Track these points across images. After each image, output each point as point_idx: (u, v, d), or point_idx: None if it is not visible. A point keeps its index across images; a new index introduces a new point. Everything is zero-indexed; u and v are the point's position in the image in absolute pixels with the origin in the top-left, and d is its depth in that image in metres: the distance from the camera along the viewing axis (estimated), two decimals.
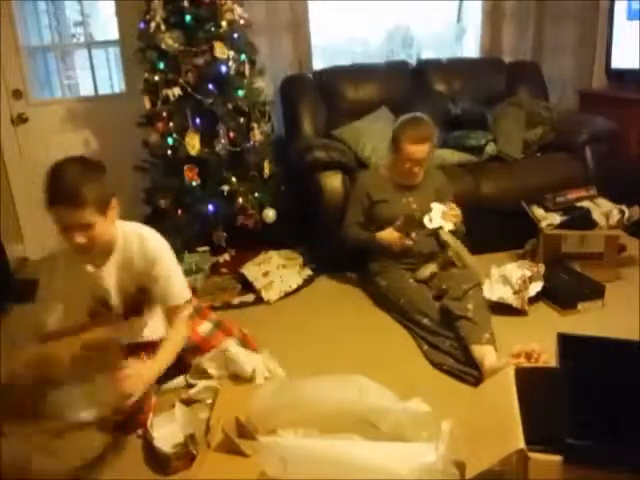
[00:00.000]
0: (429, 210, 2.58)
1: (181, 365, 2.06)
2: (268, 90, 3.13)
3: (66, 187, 1.62)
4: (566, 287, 2.58)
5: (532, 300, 2.55)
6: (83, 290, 1.82)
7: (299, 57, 3.68)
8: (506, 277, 2.55)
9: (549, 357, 1.86)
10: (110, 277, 1.85)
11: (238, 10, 2.92)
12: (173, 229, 2.48)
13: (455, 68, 3.75)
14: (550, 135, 3.40)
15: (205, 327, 2.18)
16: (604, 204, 2.89)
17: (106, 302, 1.87)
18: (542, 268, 2.63)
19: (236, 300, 2.76)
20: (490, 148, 3.26)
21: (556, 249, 2.81)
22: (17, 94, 3.39)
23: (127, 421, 1.77)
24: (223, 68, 2.82)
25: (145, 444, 1.82)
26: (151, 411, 1.85)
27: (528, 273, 2.55)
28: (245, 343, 2.22)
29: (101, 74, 3.77)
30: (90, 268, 1.81)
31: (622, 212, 2.80)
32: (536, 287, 2.55)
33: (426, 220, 2.48)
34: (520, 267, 2.62)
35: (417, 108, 3.35)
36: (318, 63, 3.80)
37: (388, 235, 2.57)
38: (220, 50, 2.80)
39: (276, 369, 2.12)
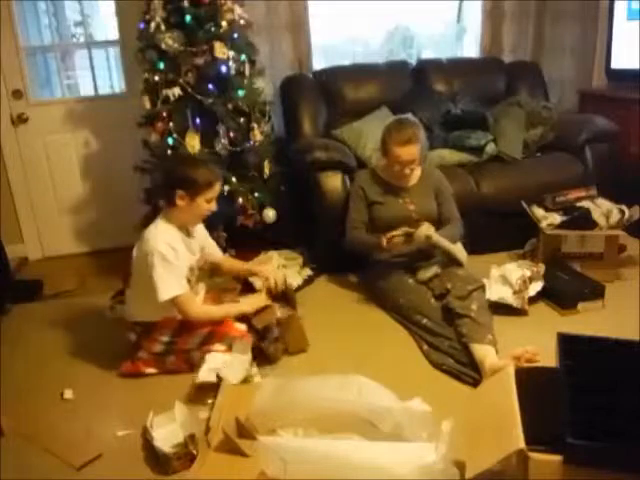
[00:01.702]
0: (426, 210, 2.59)
1: None
2: (268, 90, 3.13)
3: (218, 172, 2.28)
4: (566, 287, 2.58)
5: (532, 300, 2.55)
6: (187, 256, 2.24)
7: (299, 57, 3.68)
8: (506, 277, 2.55)
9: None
10: (195, 245, 2.30)
11: (238, 10, 2.91)
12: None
13: (455, 68, 3.74)
14: (550, 135, 3.40)
15: None
16: (604, 204, 2.89)
17: (192, 266, 2.28)
18: (542, 268, 2.63)
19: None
20: (490, 148, 3.26)
21: (556, 249, 2.81)
22: (17, 94, 3.39)
23: None
24: (223, 68, 2.82)
25: (145, 444, 1.82)
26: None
27: (528, 273, 2.55)
28: None
29: (101, 74, 3.77)
30: (189, 238, 2.26)
31: (622, 212, 2.80)
32: (536, 287, 2.55)
33: None
34: (520, 267, 2.62)
35: (417, 108, 3.38)
36: (318, 63, 3.80)
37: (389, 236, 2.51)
38: (220, 50, 2.79)
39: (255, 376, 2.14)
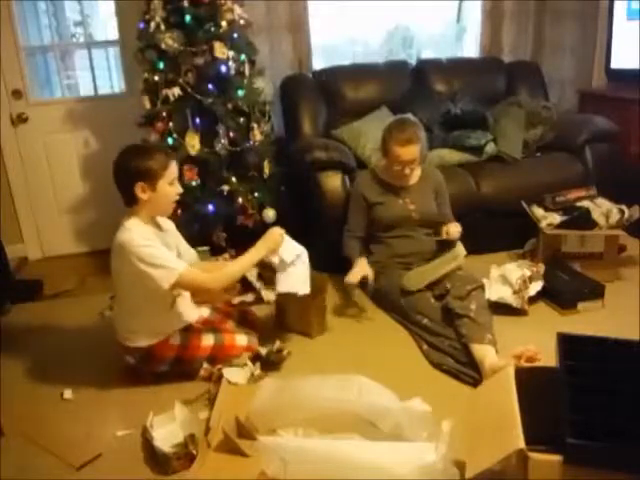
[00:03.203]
0: (426, 210, 2.61)
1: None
2: (268, 90, 3.13)
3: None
4: (566, 287, 2.58)
5: (532, 300, 2.55)
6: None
7: (299, 57, 3.68)
8: (506, 277, 2.55)
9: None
10: (169, 239, 2.19)
11: (238, 10, 2.92)
12: None
13: (455, 68, 3.75)
14: (550, 135, 3.40)
15: (208, 339, 2.19)
16: (604, 204, 2.89)
17: None
18: (542, 268, 2.63)
19: (236, 300, 2.74)
20: (490, 148, 3.26)
21: (556, 249, 2.81)
22: (17, 94, 3.39)
23: None
24: (223, 68, 2.82)
25: (145, 444, 1.82)
26: None
27: (528, 273, 2.55)
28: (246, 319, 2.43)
29: (101, 74, 3.77)
30: (161, 232, 2.16)
31: (622, 212, 2.80)
32: (536, 287, 2.55)
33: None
34: (520, 267, 2.62)
35: (417, 108, 3.37)
36: (318, 63, 3.80)
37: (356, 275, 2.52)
38: (220, 50, 2.80)
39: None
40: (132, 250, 1.95)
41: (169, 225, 2.25)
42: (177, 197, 2.12)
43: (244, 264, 2.17)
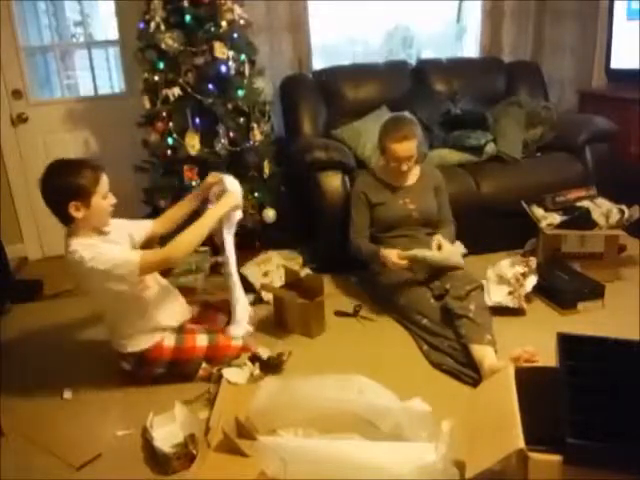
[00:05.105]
0: (426, 209, 2.61)
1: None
2: (268, 90, 3.14)
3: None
4: (566, 287, 2.58)
5: (530, 297, 2.55)
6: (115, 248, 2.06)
7: (299, 57, 3.68)
8: (502, 275, 2.55)
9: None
10: (116, 236, 2.12)
11: (238, 10, 2.92)
12: (173, 229, 2.48)
13: (455, 68, 3.75)
14: (550, 135, 3.40)
15: (203, 340, 2.18)
16: (604, 204, 2.89)
17: None
18: (534, 261, 2.61)
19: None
20: (490, 148, 3.26)
21: (556, 249, 2.81)
22: (17, 94, 3.39)
23: None
24: (223, 68, 2.82)
25: (145, 444, 1.82)
26: None
27: (520, 270, 2.55)
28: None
29: (101, 74, 3.77)
30: (105, 235, 2.08)
31: (622, 212, 2.80)
32: (531, 282, 2.54)
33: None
34: (512, 265, 2.60)
35: (417, 108, 3.38)
36: (318, 63, 3.80)
37: (393, 258, 2.44)
38: (220, 50, 2.80)
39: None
40: (87, 267, 1.90)
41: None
42: (112, 208, 2.04)
43: (203, 227, 2.11)
